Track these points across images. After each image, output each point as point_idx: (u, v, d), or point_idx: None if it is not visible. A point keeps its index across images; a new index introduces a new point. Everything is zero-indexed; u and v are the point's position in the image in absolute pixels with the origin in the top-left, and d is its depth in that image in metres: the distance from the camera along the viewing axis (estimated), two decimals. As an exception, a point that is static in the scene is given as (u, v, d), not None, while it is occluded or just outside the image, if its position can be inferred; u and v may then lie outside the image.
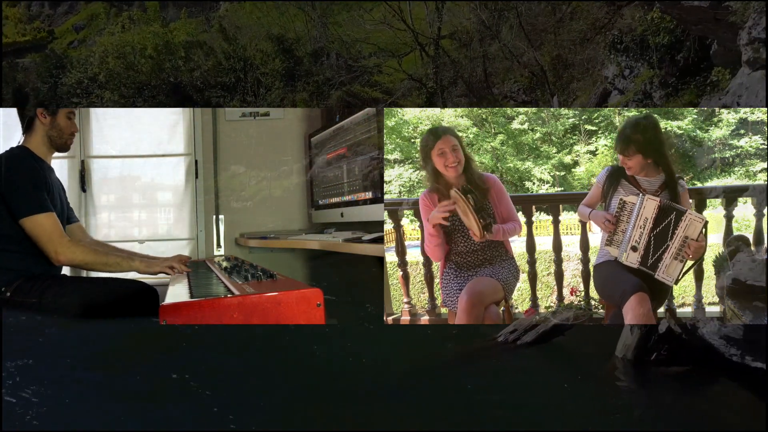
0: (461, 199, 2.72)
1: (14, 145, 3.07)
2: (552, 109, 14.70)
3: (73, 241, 2.95)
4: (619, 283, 2.71)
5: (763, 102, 5.19)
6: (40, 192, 2.87)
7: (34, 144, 3.03)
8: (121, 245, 3.81)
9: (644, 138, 2.78)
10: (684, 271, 2.73)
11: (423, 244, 3.09)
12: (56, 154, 3.20)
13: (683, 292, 7.00)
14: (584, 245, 3.73)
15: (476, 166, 3.03)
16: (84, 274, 4.31)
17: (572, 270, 8.01)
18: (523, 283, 4.08)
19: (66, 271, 3.26)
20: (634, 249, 2.74)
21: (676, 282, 2.74)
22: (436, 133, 2.91)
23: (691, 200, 3.48)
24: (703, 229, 2.67)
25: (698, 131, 16.63)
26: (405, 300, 3.92)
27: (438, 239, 2.92)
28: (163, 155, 4.90)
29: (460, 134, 3.02)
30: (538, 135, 17.58)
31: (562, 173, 17.37)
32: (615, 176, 2.94)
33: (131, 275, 3.06)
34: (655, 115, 3.13)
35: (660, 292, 2.84)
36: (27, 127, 3.06)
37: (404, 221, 4.28)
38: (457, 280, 2.96)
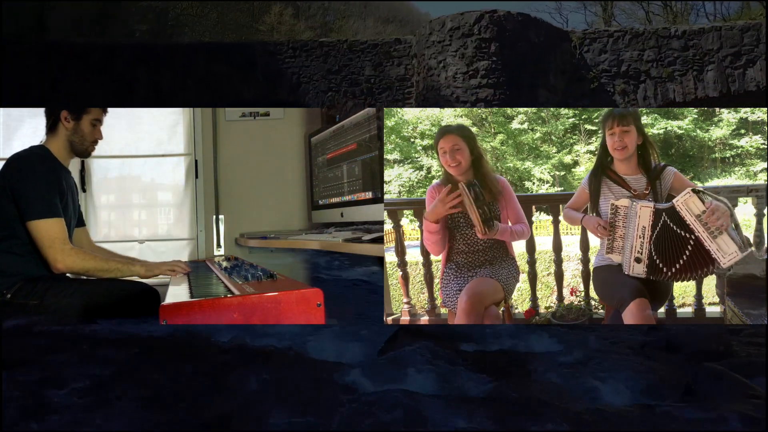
0: (464, 192, 2.70)
1: (35, 143, 3.03)
2: (552, 108, 14.65)
3: (74, 249, 2.90)
4: (618, 288, 2.66)
5: None
6: (52, 196, 2.83)
7: (55, 146, 2.99)
8: (121, 245, 3.81)
9: (637, 115, 2.80)
10: (735, 237, 2.51)
11: (422, 239, 3.07)
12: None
13: (683, 293, 7.00)
14: (584, 245, 3.73)
15: (488, 166, 2.98)
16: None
17: (572, 270, 8.02)
18: (523, 284, 4.09)
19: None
20: (638, 260, 2.67)
21: (746, 246, 2.49)
22: (441, 131, 2.92)
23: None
24: (701, 195, 2.53)
25: (698, 131, 16.64)
26: (405, 300, 3.92)
27: (436, 236, 2.88)
28: (163, 155, 4.90)
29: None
30: (538, 135, 17.59)
31: (562, 173, 17.37)
32: (597, 175, 2.89)
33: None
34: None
35: (661, 294, 2.82)
36: (51, 127, 3.01)
37: (404, 221, 4.28)
38: (457, 280, 2.96)
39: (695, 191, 2.51)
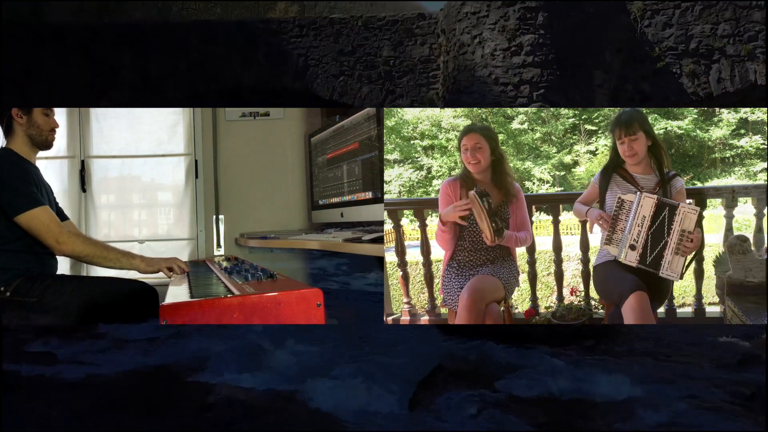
0: (477, 202, 2.75)
1: None
2: (552, 108, 14.65)
3: (73, 233, 2.94)
4: (618, 283, 2.71)
5: None
6: (30, 187, 2.85)
7: (16, 145, 3.01)
8: (121, 245, 3.81)
9: (643, 118, 2.85)
10: (686, 264, 2.75)
11: (435, 236, 3.10)
12: (48, 153, 3.17)
13: (683, 293, 7.00)
14: (584, 245, 3.73)
15: (507, 169, 3.03)
16: (84, 270, 4.31)
17: (572, 270, 8.03)
18: (523, 283, 4.08)
19: (65, 270, 3.25)
20: (633, 248, 2.75)
21: (681, 276, 2.74)
22: (466, 129, 2.99)
23: (690, 200, 3.49)
24: (700, 219, 2.69)
25: (698, 131, 16.63)
26: (405, 300, 3.92)
27: (447, 235, 2.96)
28: (163, 155, 4.90)
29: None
30: (538, 135, 17.59)
31: (562, 173, 17.37)
32: (608, 171, 2.97)
33: (131, 275, 3.05)
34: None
35: (660, 292, 2.84)
36: (6, 128, 3.03)
37: (404, 221, 4.27)
38: (458, 279, 2.97)
39: (700, 214, 2.69)
